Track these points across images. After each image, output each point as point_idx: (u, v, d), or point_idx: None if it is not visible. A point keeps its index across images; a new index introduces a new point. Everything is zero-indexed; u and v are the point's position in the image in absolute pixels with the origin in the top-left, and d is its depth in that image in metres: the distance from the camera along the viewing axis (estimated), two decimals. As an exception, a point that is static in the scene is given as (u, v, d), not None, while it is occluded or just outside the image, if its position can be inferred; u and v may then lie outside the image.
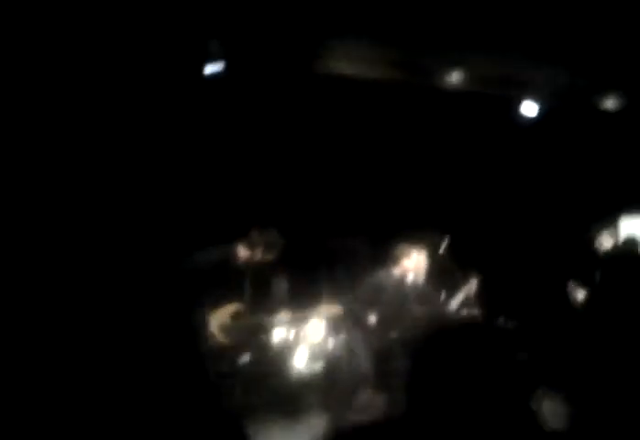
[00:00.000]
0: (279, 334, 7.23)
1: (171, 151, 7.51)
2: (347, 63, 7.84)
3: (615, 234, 8.43)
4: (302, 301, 6.91)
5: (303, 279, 7.28)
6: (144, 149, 7.31)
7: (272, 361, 6.91)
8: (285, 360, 6.95)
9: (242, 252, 6.63)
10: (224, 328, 6.47)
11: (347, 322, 7.13)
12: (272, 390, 6.75)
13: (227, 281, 6.49)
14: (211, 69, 7.26)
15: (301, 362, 6.97)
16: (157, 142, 7.39)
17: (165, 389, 5.75)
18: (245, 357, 6.64)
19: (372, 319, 7.10)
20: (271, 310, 6.63)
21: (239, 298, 6.57)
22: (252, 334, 6.66)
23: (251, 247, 6.60)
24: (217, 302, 6.46)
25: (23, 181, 6.70)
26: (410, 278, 7.59)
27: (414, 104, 8.55)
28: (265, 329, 6.73)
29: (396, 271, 7.35)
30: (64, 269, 6.28)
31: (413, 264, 7.36)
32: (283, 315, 6.62)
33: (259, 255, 6.61)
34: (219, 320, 6.46)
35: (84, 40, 6.63)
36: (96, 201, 6.96)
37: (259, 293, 6.68)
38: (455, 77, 8.33)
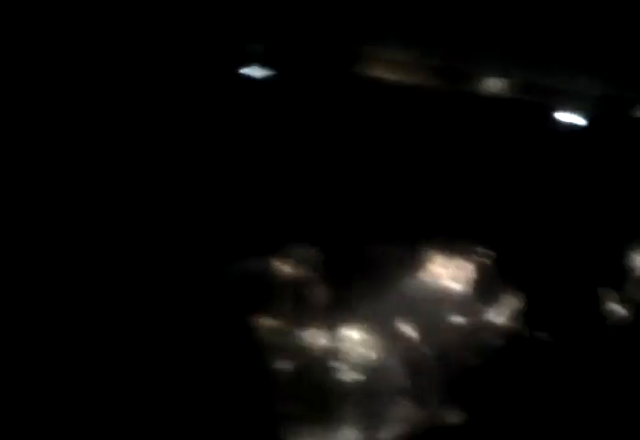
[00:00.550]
0: (319, 342, 7.19)
1: (208, 158, 7.47)
2: (386, 69, 7.81)
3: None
4: (340, 313, 6.86)
5: (342, 289, 7.21)
6: (181, 155, 7.28)
7: (311, 370, 6.86)
8: (323, 369, 6.88)
9: (279, 267, 6.60)
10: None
11: (382, 333, 7.05)
12: (310, 399, 6.69)
13: (263, 296, 6.47)
14: (251, 72, 7.26)
15: (340, 372, 6.92)
16: (194, 148, 7.36)
17: (203, 396, 5.75)
18: (284, 365, 6.61)
19: (406, 329, 7.01)
20: (307, 324, 6.61)
21: (274, 313, 6.50)
22: (284, 348, 6.58)
23: (288, 263, 6.58)
24: (251, 315, 6.36)
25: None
26: (444, 286, 7.59)
27: (454, 110, 8.49)
28: (297, 344, 6.66)
29: (428, 280, 7.31)
30: (103, 278, 6.27)
31: (445, 272, 7.31)
32: (320, 332, 6.58)
33: (296, 270, 6.60)
34: (250, 332, 6.32)
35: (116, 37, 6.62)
36: (136, 207, 6.91)
37: (297, 309, 6.64)
38: (494, 84, 8.29)
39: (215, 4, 6.88)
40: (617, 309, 7.44)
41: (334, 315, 6.76)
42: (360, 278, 7.47)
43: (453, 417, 6.77)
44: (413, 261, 7.31)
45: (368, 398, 6.82)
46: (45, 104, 6.50)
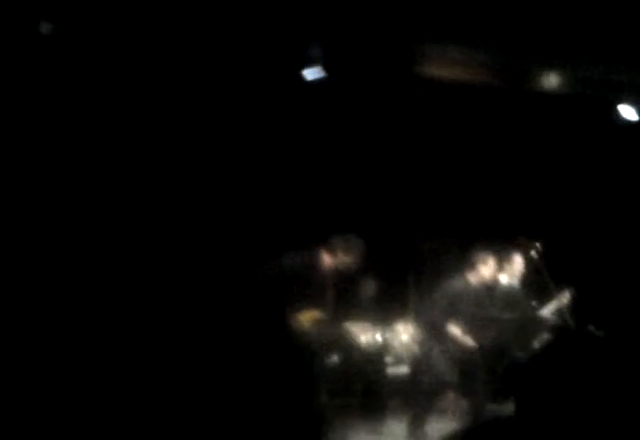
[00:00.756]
0: (366, 336, 7.40)
1: (262, 155, 7.65)
2: (444, 67, 7.84)
3: None
4: (387, 306, 6.91)
5: (390, 283, 7.32)
6: (233, 151, 7.49)
7: (359, 363, 7.06)
8: (372, 363, 7.08)
9: (325, 258, 6.56)
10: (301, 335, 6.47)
11: (428, 329, 7.17)
12: (358, 391, 6.89)
13: (310, 288, 6.45)
14: (311, 73, 7.35)
15: (387, 365, 7.10)
16: (248, 145, 7.56)
17: (248, 387, 6.00)
18: (332, 358, 6.82)
19: (451, 327, 7.09)
20: (355, 318, 6.64)
21: (321, 305, 6.50)
22: (332, 342, 6.68)
23: (334, 253, 6.50)
24: (298, 309, 6.34)
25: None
26: (494, 281, 7.68)
27: (512, 107, 8.51)
28: (345, 338, 6.75)
29: (473, 279, 7.29)
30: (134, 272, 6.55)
31: (490, 271, 7.29)
32: (366, 324, 6.65)
33: (341, 261, 6.51)
34: (298, 327, 6.34)
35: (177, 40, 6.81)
36: (177, 204, 7.14)
37: (342, 300, 6.67)
38: (552, 80, 8.25)
39: (274, 6, 6.97)
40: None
41: (382, 309, 6.81)
42: (410, 272, 7.59)
43: (501, 411, 6.90)
44: (463, 256, 7.36)
45: (415, 392, 6.98)
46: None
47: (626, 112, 8.69)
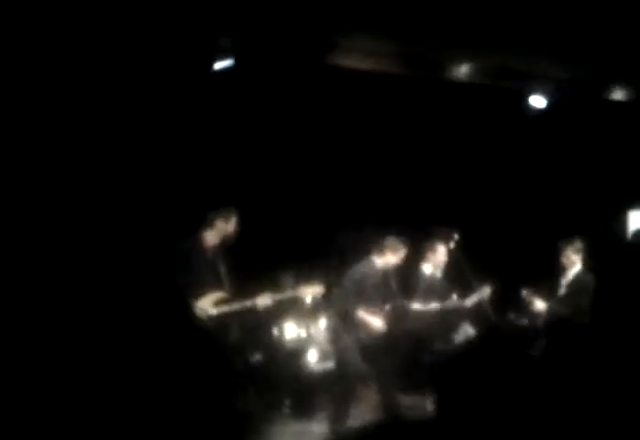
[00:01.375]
0: (290, 332, 7.26)
1: (173, 148, 7.50)
2: (355, 57, 7.79)
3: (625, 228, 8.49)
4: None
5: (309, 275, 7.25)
6: (149, 145, 7.32)
7: (285, 360, 6.93)
8: (297, 359, 6.96)
9: (208, 238, 6.52)
10: (209, 318, 6.30)
11: (349, 322, 7.00)
12: (285, 389, 6.78)
13: (205, 270, 6.40)
14: (221, 64, 7.20)
15: (313, 361, 6.99)
16: (160, 139, 7.38)
17: (175, 386, 5.85)
18: (257, 356, 6.68)
19: (371, 318, 6.98)
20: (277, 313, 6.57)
21: (217, 285, 6.43)
22: (239, 318, 6.53)
23: (214, 231, 6.51)
24: (196, 292, 6.33)
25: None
26: (417, 271, 7.67)
27: (423, 97, 8.52)
28: (252, 315, 6.58)
29: (378, 263, 7.14)
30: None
31: (396, 258, 7.15)
32: (266, 297, 6.39)
33: (223, 238, 6.52)
34: (202, 310, 6.30)
35: (92, 37, 6.60)
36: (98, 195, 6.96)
37: (237, 278, 6.56)
38: (463, 70, 8.29)
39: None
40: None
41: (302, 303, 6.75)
42: (329, 264, 7.51)
43: (423, 402, 6.89)
44: (383, 247, 7.26)
45: (336, 385, 6.87)
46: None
47: (536, 101, 8.82)
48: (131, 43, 6.63)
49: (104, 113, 6.89)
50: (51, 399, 5.79)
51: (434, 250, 7.86)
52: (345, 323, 6.90)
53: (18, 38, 6.29)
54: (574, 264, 7.50)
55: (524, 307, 7.72)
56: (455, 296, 7.80)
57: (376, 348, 6.88)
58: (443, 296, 7.77)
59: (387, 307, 7.09)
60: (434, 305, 7.64)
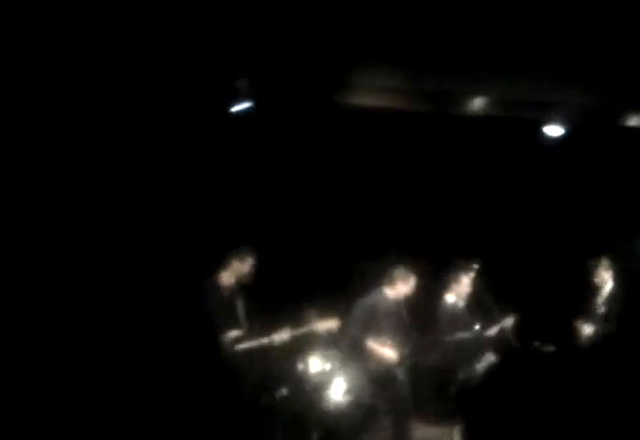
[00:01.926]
0: (315, 365, 7.29)
1: (191, 190, 7.65)
2: (367, 95, 7.89)
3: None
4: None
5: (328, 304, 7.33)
6: (168, 187, 7.48)
7: (310, 394, 6.95)
8: (323, 393, 6.97)
9: (224, 278, 6.68)
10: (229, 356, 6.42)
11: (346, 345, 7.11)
12: (311, 423, 6.78)
13: (222, 309, 6.52)
14: (239, 107, 7.36)
15: (338, 394, 6.98)
16: (179, 180, 7.55)
17: (202, 423, 5.90)
18: (283, 391, 6.71)
19: (369, 343, 7.02)
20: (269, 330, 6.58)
21: (235, 324, 6.57)
22: (260, 359, 6.64)
23: (230, 271, 6.65)
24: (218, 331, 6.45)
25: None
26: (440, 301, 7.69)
27: (439, 131, 8.62)
28: (270, 352, 6.69)
29: (390, 294, 7.25)
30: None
31: (407, 288, 7.25)
32: (282, 334, 6.54)
33: (239, 278, 6.67)
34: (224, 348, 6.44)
35: (114, 79, 6.78)
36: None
37: (253, 316, 6.70)
38: (477, 103, 8.37)
39: (198, 41, 6.99)
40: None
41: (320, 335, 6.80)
42: (348, 293, 7.56)
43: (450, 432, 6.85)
44: (393, 278, 7.31)
45: (360, 417, 6.87)
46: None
47: (551, 130, 8.86)
48: (150, 83, 6.80)
49: (124, 154, 7.07)
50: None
51: (457, 281, 7.90)
52: (353, 353, 6.97)
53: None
54: (606, 282, 7.60)
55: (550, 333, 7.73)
56: (478, 326, 7.81)
57: (388, 379, 6.90)
58: (466, 326, 7.78)
59: (401, 338, 7.15)
60: (457, 335, 7.65)
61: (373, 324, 7.02)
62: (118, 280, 6.97)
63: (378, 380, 6.95)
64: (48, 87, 6.52)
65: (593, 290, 7.75)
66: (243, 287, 6.75)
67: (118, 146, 7.18)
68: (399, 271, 7.21)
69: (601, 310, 7.65)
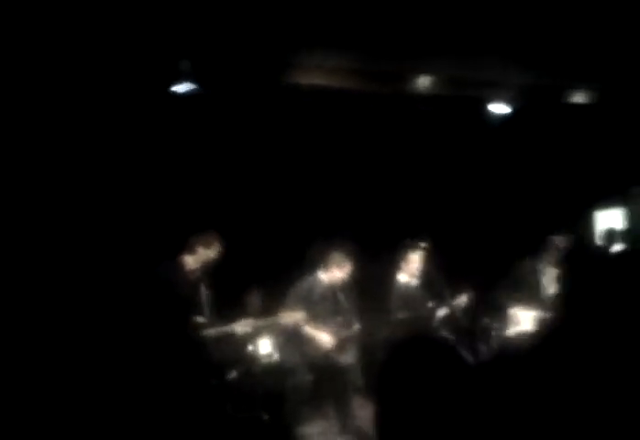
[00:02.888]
0: (264, 348, 7.27)
1: (137, 168, 7.56)
2: (311, 74, 7.86)
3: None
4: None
5: (274, 287, 7.29)
6: (116, 167, 7.39)
7: (261, 374, 6.94)
8: (272, 373, 6.97)
9: (189, 263, 6.48)
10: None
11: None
12: (262, 403, 6.76)
13: (185, 294, 6.35)
14: (181, 88, 7.27)
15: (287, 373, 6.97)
16: (120, 157, 7.45)
17: (155, 399, 5.84)
18: (233, 372, 6.67)
19: (306, 328, 6.93)
20: (230, 319, 6.49)
21: (197, 310, 6.41)
22: (219, 345, 6.52)
23: (195, 256, 6.45)
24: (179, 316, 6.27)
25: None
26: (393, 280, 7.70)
27: (384, 111, 8.61)
28: (230, 339, 6.60)
29: (324, 278, 7.21)
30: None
31: (343, 272, 7.18)
32: (246, 324, 6.45)
33: (204, 264, 6.47)
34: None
35: (55, 60, 6.66)
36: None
37: (218, 303, 6.57)
38: (423, 82, 8.38)
39: (141, 22, 6.88)
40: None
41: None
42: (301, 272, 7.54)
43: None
44: (328, 263, 7.22)
45: (320, 397, 6.88)
46: None
47: (497, 108, 8.92)
48: (91, 65, 6.69)
49: (70, 136, 6.96)
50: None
51: (406, 260, 7.91)
52: (291, 338, 6.94)
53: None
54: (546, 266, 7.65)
55: (499, 313, 7.78)
56: (431, 304, 7.84)
57: (329, 364, 6.91)
58: (419, 305, 7.80)
59: (339, 321, 7.09)
60: (408, 314, 7.66)
61: (309, 309, 6.92)
62: (81, 263, 6.87)
63: (316, 366, 6.90)
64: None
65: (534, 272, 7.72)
66: (207, 273, 6.55)
67: (64, 129, 7.06)
68: (334, 256, 7.16)
69: (546, 292, 7.63)
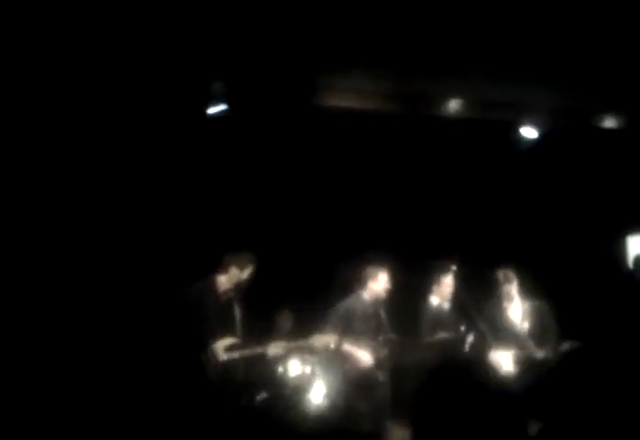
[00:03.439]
0: (295, 369, 7.22)
1: (172, 188, 7.61)
2: (342, 96, 7.91)
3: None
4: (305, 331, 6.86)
5: (307, 307, 7.28)
6: (147, 189, 7.44)
7: (290, 397, 6.88)
8: (302, 396, 6.91)
9: (222, 283, 6.49)
10: (219, 364, 6.32)
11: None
12: (291, 426, 6.70)
13: (217, 314, 6.38)
14: (214, 109, 7.34)
15: (318, 397, 6.92)
16: (155, 177, 7.50)
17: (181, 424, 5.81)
18: (262, 394, 6.64)
19: (346, 345, 6.90)
20: (261, 339, 6.50)
21: (230, 330, 6.42)
22: (249, 366, 6.55)
23: (228, 276, 6.46)
24: (211, 337, 6.32)
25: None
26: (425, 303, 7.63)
27: (415, 133, 8.62)
28: (261, 360, 6.60)
29: (365, 295, 7.17)
30: None
31: (380, 285, 7.13)
32: (278, 346, 6.47)
33: (237, 284, 6.49)
34: (213, 355, 6.31)
35: (90, 81, 6.74)
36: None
37: (250, 323, 6.58)
38: (453, 105, 8.39)
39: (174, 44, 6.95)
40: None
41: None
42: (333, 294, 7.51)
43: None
44: (363, 278, 7.20)
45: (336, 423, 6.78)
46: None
47: (527, 132, 8.90)
48: (125, 86, 6.76)
49: (101, 156, 7.02)
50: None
51: (437, 283, 7.87)
52: (331, 357, 6.91)
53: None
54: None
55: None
56: (462, 328, 7.76)
57: (367, 381, 6.87)
58: (450, 328, 7.73)
59: (380, 339, 7.06)
60: (440, 336, 7.59)
61: (349, 329, 6.93)
62: (110, 283, 6.90)
63: (357, 384, 6.86)
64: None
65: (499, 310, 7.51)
66: (241, 293, 6.57)
67: (96, 149, 7.13)
68: (366, 271, 7.15)
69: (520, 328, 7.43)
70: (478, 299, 7.60)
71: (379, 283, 7.14)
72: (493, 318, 7.54)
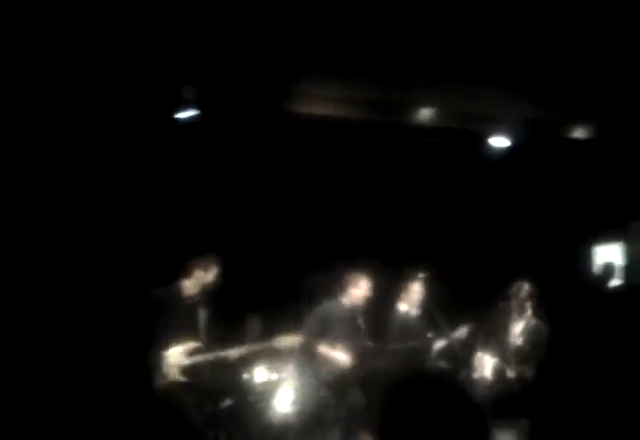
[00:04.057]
0: (260, 375, 7.22)
1: (138, 192, 7.59)
2: (314, 103, 7.90)
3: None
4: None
5: (276, 313, 7.27)
6: (115, 193, 7.42)
7: (255, 404, 6.87)
8: (268, 403, 6.89)
9: (187, 287, 6.44)
10: (181, 368, 6.24)
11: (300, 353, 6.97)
12: (257, 433, 6.70)
13: (180, 319, 6.31)
14: (185, 114, 7.31)
15: (284, 404, 6.90)
16: (121, 181, 7.47)
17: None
18: (227, 401, 6.62)
19: (322, 348, 6.91)
20: (229, 345, 6.44)
21: (194, 334, 6.36)
22: (214, 372, 6.52)
23: (193, 280, 6.41)
24: (171, 341, 6.25)
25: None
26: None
27: (385, 141, 8.65)
28: (226, 366, 6.57)
29: (345, 301, 7.15)
30: None
31: (361, 291, 7.11)
32: (240, 348, 6.40)
33: (202, 287, 6.43)
34: (175, 359, 6.23)
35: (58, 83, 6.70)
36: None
37: (216, 328, 6.52)
38: (424, 113, 8.42)
39: (147, 49, 6.93)
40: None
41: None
42: (300, 301, 7.51)
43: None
44: (344, 284, 7.17)
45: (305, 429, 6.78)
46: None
47: (497, 142, 8.96)
48: (96, 90, 6.73)
49: (68, 161, 6.99)
50: None
51: (406, 290, 7.90)
52: (305, 360, 6.89)
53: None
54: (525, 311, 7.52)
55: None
56: (429, 335, 7.79)
57: (342, 385, 6.85)
58: (418, 335, 7.76)
59: (355, 344, 7.05)
60: (407, 344, 7.61)
61: (326, 333, 6.92)
62: (75, 287, 6.87)
63: (331, 386, 6.86)
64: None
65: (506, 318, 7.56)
66: (206, 297, 6.50)
67: (63, 153, 7.09)
68: (348, 277, 7.15)
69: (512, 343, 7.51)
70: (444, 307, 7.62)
71: (359, 290, 7.13)
72: (499, 323, 7.58)
